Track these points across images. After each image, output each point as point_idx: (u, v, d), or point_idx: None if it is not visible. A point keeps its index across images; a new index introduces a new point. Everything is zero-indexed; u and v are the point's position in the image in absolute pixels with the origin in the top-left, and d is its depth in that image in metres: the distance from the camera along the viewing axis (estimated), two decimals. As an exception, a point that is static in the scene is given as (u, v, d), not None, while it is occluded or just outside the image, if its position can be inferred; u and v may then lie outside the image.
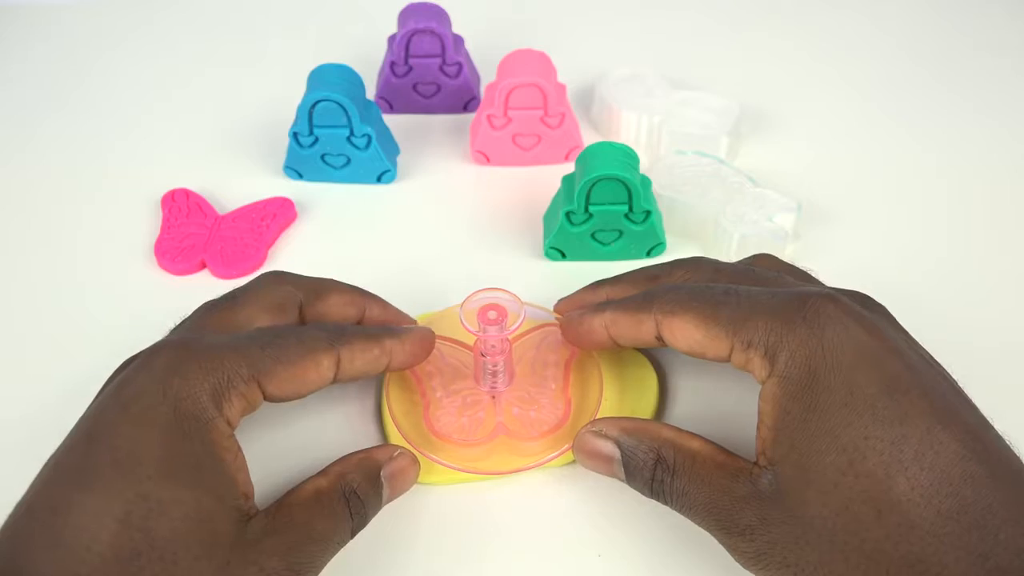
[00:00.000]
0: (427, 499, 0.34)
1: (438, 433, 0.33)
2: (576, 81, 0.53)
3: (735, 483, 0.27)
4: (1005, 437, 0.27)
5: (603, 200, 0.41)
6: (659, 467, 0.29)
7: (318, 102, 0.44)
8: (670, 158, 0.46)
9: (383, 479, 0.31)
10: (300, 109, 0.45)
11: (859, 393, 0.25)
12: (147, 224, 0.46)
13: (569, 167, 0.44)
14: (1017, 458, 0.26)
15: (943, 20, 0.62)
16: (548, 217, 0.44)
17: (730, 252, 0.42)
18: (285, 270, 0.36)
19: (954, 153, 0.51)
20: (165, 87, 0.56)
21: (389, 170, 0.48)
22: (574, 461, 0.33)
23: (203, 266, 0.43)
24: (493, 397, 0.35)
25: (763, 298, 0.29)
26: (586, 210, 0.41)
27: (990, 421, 0.27)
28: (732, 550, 0.27)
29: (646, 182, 0.42)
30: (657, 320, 0.30)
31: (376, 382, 0.37)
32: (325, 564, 0.28)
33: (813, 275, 0.35)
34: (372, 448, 0.32)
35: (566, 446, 0.33)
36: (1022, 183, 0.49)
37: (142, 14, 0.63)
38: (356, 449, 0.33)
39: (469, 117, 0.51)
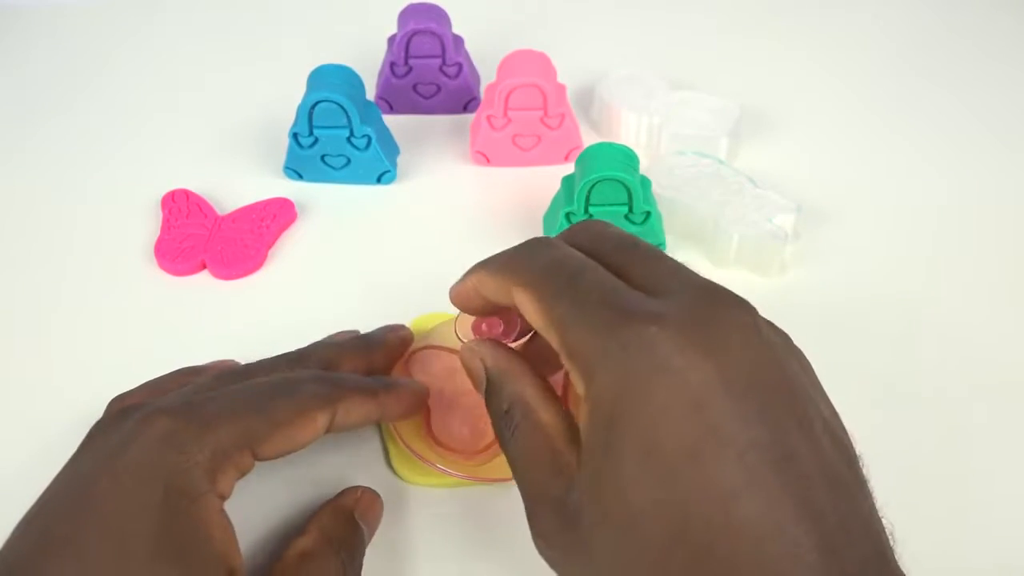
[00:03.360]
0: (428, 503, 0.34)
1: (440, 442, 0.33)
2: (576, 82, 0.53)
3: (552, 481, 0.25)
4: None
5: (603, 201, 0.41)
6: (504, 420, 0.27)
7: (318, 103, 0.44)
8: (670, 159, 0.46)
9: (359, 520, 0.31)
10: (300, 110, 0.45)
11: (657, 453, 0.22)
12: (147, 225, 0.46)
13: (569, 168, 0.44)
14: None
15: (944, 23, 0.62)
16: (548, 218, 0.44)
17: (730, 253, 0.42)
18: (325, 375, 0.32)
19: (954, 155, 0.51)
20: (165, 88, 0.56)
21: (389, 171, 0.48)
22: None
23: (203, 267, 0.43)
24: None
25: (603, 304, 0.24)
26: (586, 211, 0.41)
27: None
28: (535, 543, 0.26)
29: (646, 183, 0.42)
30: (509, 286, 0.27)
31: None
32: None
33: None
34: (336, 497, 0.32)
35: None
36: (1021, 184, 0.49)
37: (142, 15, 0.63)
38: (357, 460, 0.33)
39: (469, 118, 0.51)
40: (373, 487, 0.33)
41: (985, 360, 0.39)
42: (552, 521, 0.25)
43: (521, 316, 0.30)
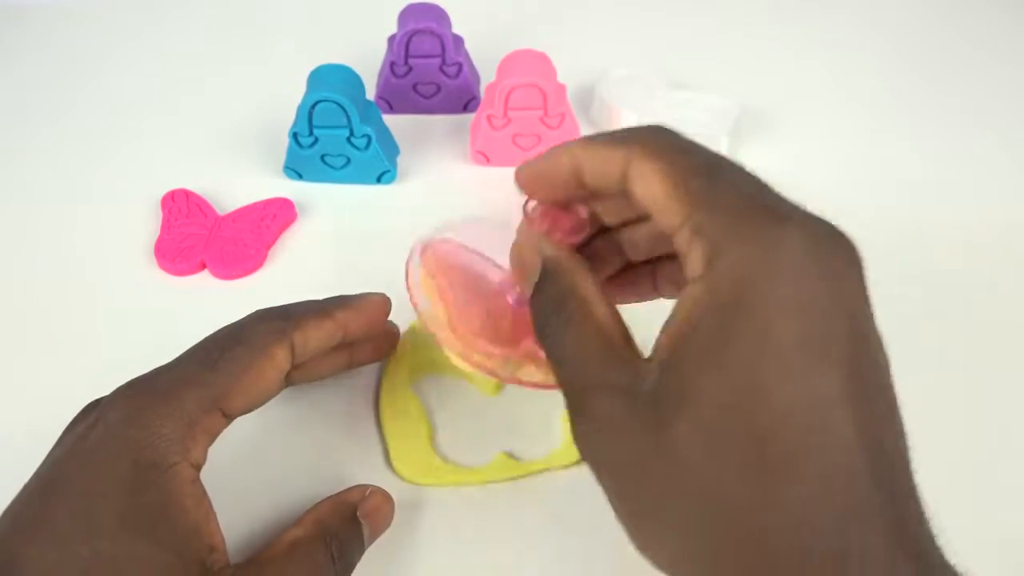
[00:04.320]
0: (429, 502, 0.34)
1: (467, 331, 0.31)
2: (576, 81, 0.53)
3: (612, 369, 0.24)
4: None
5: (603, 201, 0.41)
6: (556, 311, 0.26)
7: (318, 102, 0.44)
8: (670, 158, 0.46)
9: (361, 519, 0.30)
10: (300, 109, 0.45)
11: (775, 342, 0.21)
12: (147, 225, 0.46)
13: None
14: (908, 477, 0.22)
15: (942, 21, 0.62)
16: (548, 217, 0.44)
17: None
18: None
19: (954, 155, 0.51)
20: (165, 88, 0.56)
21: (389, 170, 0.48)
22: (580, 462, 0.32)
23: (203, 267, 0.43)
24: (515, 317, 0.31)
25: (741, 193, 0.24)
26: (586, 211, 0.41)
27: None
28: (572, 432, 0.25)
29: (646, 182, 0.42)
30: (628, 158, 0.25)
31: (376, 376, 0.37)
32: None
33: None
34: (342, 492, 0.31)
35: None
36: (1021, 183, 0.49)
37: (142, 16, 0.63)
38: (357, 460, 0.33)
39: (469, 117, 0.51)
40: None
41: (986, 359, 0.39)
42: (613, 408, 0.23)
43: (589, 216, 0.28)
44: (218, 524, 0.27)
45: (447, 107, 0.53)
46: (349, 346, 0.35)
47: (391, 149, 0.48)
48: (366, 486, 0.32)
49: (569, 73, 0.49)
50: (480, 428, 0.36)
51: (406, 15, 0.50)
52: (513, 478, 0.34)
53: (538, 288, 0.27)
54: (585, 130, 0.51)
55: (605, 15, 0.62)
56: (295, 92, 0.45)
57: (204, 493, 0.27)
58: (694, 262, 0.23)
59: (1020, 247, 0.45)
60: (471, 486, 0.34)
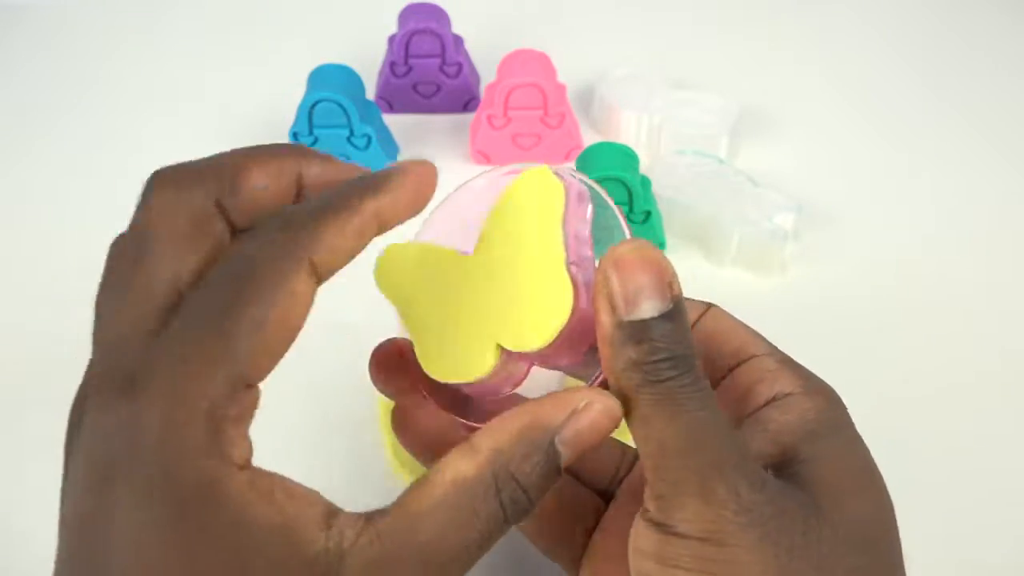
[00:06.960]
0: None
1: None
2: (576, 81, 0.53)
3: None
4: None
5: (603, 201, 0.41)
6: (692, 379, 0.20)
7: (318, 102, 0.44)
8: (670, 158, 0.46)
9: (559, 446, 0.21)
10: (300, 109, 0.45)
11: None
12: (147, 224, 0.46)
13: (569, 167, 0.43)
14: None
15: (944, 23, 0.62)
16: (548, 217, 0.44)
17: (730, 252, 0.42)
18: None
19: (954, 154, 0.51)
20: (165, 87, 0.56)
21: (389, 170, 0.48)
22: None
23: (203, 266, 0.43)
24: None
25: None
26: (586, 210, 0.41)
27: None
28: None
29: (646, 182, 0.42)
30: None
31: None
32: None
33: None
34: (537, 402, 0.21)
35: None
36: (1020, 183, 0.49)
37: (142, 15, 0.62)
38: (357, 459, 0.32)
39: (469, 117, 0.51)
40: (373, 487, 0.32)
41: (985, 358, 0.39)
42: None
43: None
44: (311, 495, 0.21)
45: (447, 107, 0.53)
46: None
47: (391, 149, 0.48)
48: (580, 392, 0.21)
49: (569, 73, 0.49)
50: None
51: (406, 15, 0.50)
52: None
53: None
54: (585, 130, 0.51)
55: (605, 15, 0.62)
56: (295, 92, 0.45)
57: (273, 481, 0.20)
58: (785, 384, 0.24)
59: (1017, 246, 0.45)
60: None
